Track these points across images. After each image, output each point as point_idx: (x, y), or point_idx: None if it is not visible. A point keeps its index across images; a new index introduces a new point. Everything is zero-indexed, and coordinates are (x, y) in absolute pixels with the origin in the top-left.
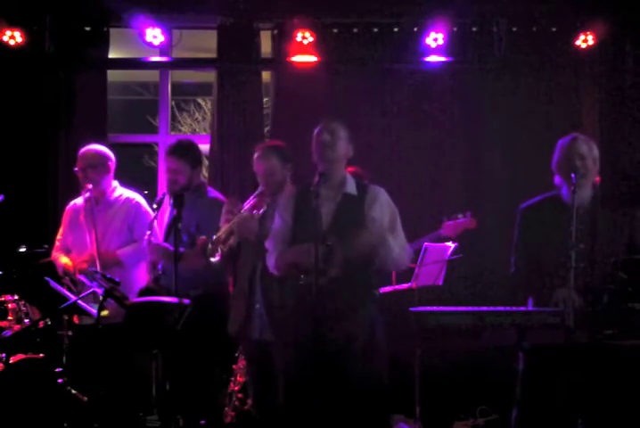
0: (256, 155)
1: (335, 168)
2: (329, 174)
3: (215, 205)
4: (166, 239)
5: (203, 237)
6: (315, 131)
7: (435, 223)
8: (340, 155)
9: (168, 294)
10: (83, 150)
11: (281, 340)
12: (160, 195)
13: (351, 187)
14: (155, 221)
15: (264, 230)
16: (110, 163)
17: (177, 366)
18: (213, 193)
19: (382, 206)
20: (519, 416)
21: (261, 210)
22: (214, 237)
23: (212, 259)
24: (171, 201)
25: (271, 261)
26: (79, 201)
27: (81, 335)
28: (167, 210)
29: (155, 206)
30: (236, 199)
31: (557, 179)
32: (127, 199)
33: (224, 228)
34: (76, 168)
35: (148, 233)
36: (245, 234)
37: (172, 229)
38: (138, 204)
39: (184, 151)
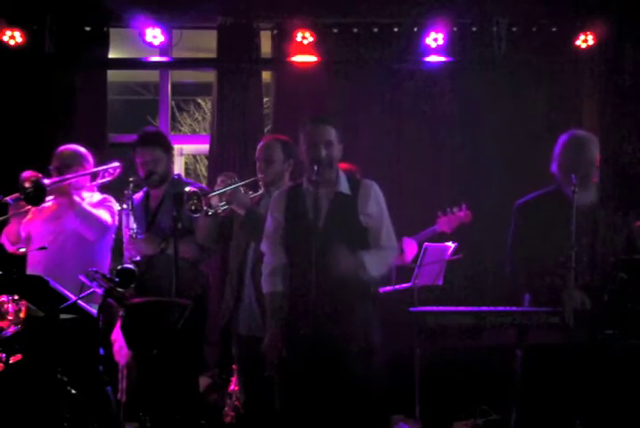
0: (261, 143)
1: (326, 169)
2: (320, 173)
3: None
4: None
5: (192, 187)
6: (304, 131)
7: (434, 222)
8: (331, 157)
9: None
10: (59, 149)
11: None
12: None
13: (344, 186)
14: (131, 217)
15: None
16: (86, 164)
17: (175, 367)
18: (196, 184)
19: (377, 201)
20: (518, 416)
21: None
22: (200, 191)
23: (195, 215)
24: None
25: (265, 271)
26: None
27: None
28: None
29: (128, 204)
30: (233, 173)
31: (557, 172)
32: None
33: (216, 191)
34: (50, 167)
35: (133, 227)
36: (235, 204)
37: (151, 225)
38: (106, 198)
39: (156, 139)
